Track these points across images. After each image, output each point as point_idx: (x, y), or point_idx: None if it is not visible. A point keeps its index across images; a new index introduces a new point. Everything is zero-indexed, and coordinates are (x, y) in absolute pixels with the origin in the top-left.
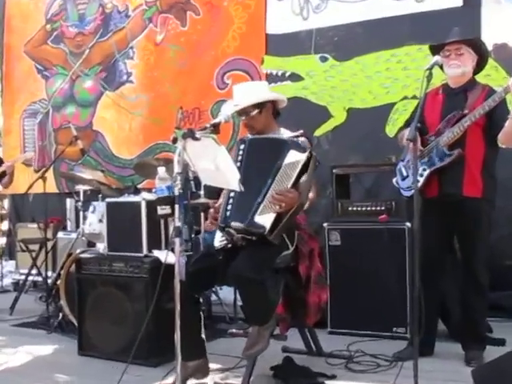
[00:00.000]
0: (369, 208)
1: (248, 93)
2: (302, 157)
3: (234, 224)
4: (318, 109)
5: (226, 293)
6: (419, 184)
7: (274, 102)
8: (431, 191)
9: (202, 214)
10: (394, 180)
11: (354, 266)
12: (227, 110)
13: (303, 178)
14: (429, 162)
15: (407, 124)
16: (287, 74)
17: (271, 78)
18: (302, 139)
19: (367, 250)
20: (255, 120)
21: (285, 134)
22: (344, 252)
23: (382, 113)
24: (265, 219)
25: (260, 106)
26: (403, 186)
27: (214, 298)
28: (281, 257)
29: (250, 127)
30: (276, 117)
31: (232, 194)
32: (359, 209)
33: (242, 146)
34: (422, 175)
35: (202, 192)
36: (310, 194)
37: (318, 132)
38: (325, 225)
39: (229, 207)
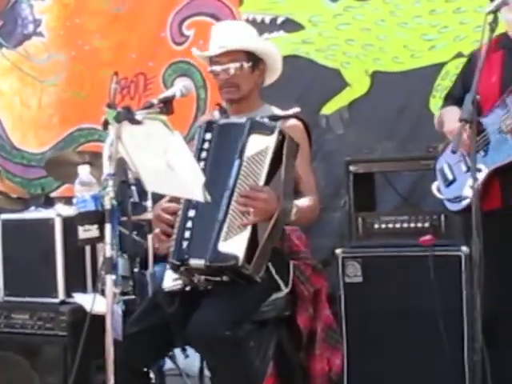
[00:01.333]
0: (405, 225)
1: (238, 34)
2: (269, 141)
3: (194, 262)
4: (327, 73)
5: (189, 359)
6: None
7: (267, 66)
8: (491, 201)
9: (150, 237)
10: (434, 186)
11: (383, 314)
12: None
13: (281, 173)
14: (486, 157)
15: (449, 98)
16: (279, 21)
17: (255, 27)
18: (294, 122)
19: (402, 288)
20: (244, 78)
21: (274, 112)
22: (367, 293)
23: (425, 79)
24: (234, 245)
25: (254, 60)
26: (448, 194)
27: (169, 365)
28: (269, 302)
29: (232, 86)
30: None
31: (191, 214)
32: (390, 226)
33: (207, 136)
34: (476, 178)
35: (149, 203)
36: (305, 201)
37: (327, 109)
38: (338, 251)
39: (186, 234)
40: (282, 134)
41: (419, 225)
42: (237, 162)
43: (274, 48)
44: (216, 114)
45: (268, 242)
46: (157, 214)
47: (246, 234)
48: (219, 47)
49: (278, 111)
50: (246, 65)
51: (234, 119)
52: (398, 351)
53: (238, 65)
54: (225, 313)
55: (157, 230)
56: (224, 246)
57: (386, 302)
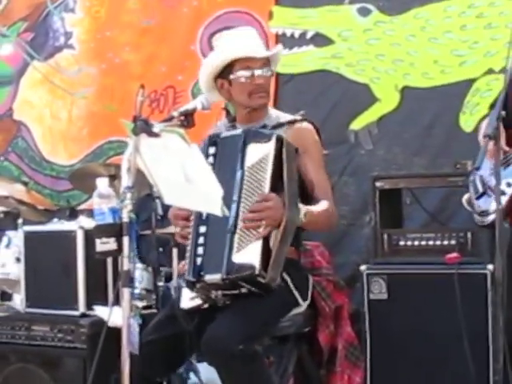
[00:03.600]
0: (431, 242)
1: (257, 40)
2: (268, 148)
3: (210, 278)
4: (356, 88)
5: (212, 372)
6: (502, 204)
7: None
8: None
9: (175, 251)
10: (465, 198)
11: (407, 332)
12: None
13: (283, 177)
14: None
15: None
16: (309, 36)
17: (284, 41)
18: (305, 126)
19: (427, 306)
20: (269, 85)
21: (281, 118)
22: (392, 310)
23: (455, 95)
24: (248, 254)
25: (271, 65)
26: (477, 208)
27: (193, 379)
28: (289, 317)
29: (265, 92)
30: None
31: (202, 230)
32: (416, 243)
33: (211, 150)
34: (504, 193)
35: None
36: (319, 206)
37: (356, 124)
38: (363, 268)
39: (199, 250)
40: (279, 139)
41: (445, 242)
42: (239, 173)
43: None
44: (225, 122)
45: (281, 247)
46: (174, 213)
47: (258, 242)
48: (257, 51)
49: (283, 115)
50: (271, 71)
51: (230, 131)
52: (421, 369)
53: (270, 70)
54: (238, 327)
55: (178, 229)
56: (238, 257)
57: (411, 319)
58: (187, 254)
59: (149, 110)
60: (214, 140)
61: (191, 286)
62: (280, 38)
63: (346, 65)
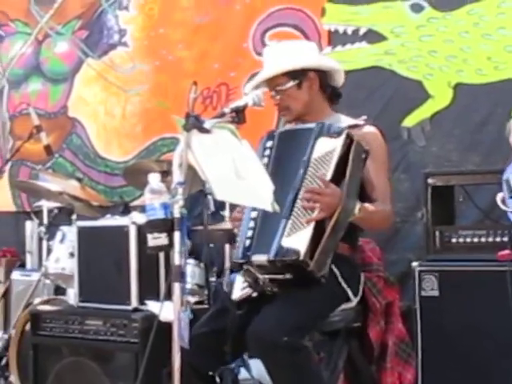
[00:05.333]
0: (483, 239)
1: (282, 56)
2: (336, 143)
3: (256, 258)
4: (409, 85)
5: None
6: None
7: (321, 73)
8: None
9: (228, 246)
10: (499, 197)
11: (459, 329)
12: (252, 84)
13: (346, 174)
14: None
15: None
16: (361, 32)
17: (337, 38)
18: (369, 130)
19: (480, 303)
20: (292, 98)
21: (343, 121)
22: (444, 307)
23: (508, 91)
24: (297, 240)
25: (298, 76)
26: (511, 206)
27: (243, 374)
28: (339, 312)
29: (284, 109)
30: (333, 97)
31: (253, 214)
32: (468, 240)
33: (268, 143)
34: None
35: (226, 213)
36: (375, 205)
37: (409, 121)
38: (414, 265)
39: (249, 233)
40: (349, 137)
41: (497, 239)
42: (303, 163)
43: (325, 58)
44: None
45: (330, 238)
46: (234, 216)
47: (309, 230)
48: (261, 75)
49: (347, 119)
50: (287, 85)
51: (302, 125)
52: (473, 367)
53: (281, 89)
54: (284, 318)
55: (235, 231)
56: (287, 242)
57: (462, 316)
58: (238, 238)
59: (202, 106)
60: (272, 135)
61: (238, 267)
62: (332, 35)
63: (398, 61)
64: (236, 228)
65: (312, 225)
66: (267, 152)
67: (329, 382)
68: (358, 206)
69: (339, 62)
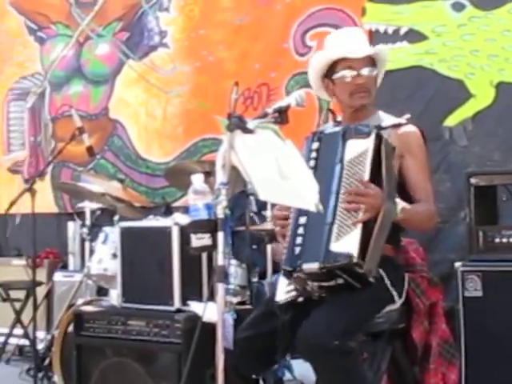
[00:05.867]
0: None
1: (363, 40)
2: (367, 143)
3: (307, 267)
4: (451, 84)
5: (306, 368)
6: None
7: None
8: None
9: (270, 247)
10: None
11: (503, 330)
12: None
13: (381, 173)
14: None
15: None
16: (402, 32)
17: (378, 38)
18: (410, 129)
19: None
20: (373, 83)
21: (385, 120)
22: (487, 307)
23: None
24: (346, 243)
25: (375, 66)
26: None
27: (287, 376)
28: (383, 314)
29: (366, 91)
30: None
31: (302, 220)
32: (511, 240)
33: (314, 145)
34: None
35: (268, 213)
36: (417, 205)
37: (451, 120)
38: (457, 265)
39: (298, 240)
40: (378, 136)
41: None
42: (338, 167)
43: (388, 55)
44: (330, 125)
45: (378, 238)
46: (274, 213)
47: (357, 231)
48: (355, 51)
49: (389, 117)
50: (375, 70)
51: (332, 128)
52: None
53: (374, 69)
54: (334, 322)
55: (277, 229)
56: (336, 246)
57: (506, 316)
58: (285, 245)
59: (243, 107)
60: (318, 136)
61: (288, 275)
62: (373, 35)
63: (439, 61)
64: (277, 227)
65: (359, 226)
66: (314, 154)
67: (372, 383)
68: (399, 206)
69: None
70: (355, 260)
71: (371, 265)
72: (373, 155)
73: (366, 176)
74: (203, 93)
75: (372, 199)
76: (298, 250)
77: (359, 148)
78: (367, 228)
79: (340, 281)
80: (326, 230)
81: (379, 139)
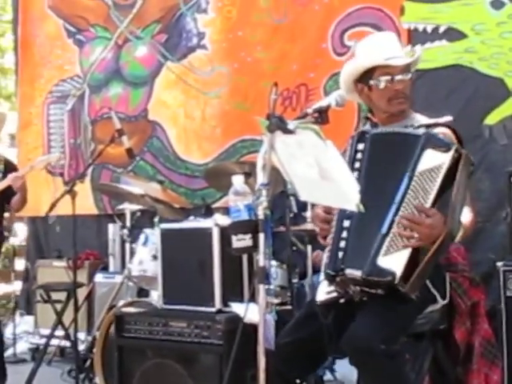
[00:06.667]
0: None
1: (397, 45)
2: (444, 159)
3: (350, 272)
4: (490, 82)
5: (347, 369)
6: None
7: None
8: None
9: (310, 247)
10: None
11: None
12: (377, 57)
13: (452, 193)
14: None
15: None
16: (441, 30)
17: (416, 37)
18: (442, 130)
19: None
20: (409, 89)
21: (421, 121)
22: None
23: None
24: (394, 261)
25: (410, 71)
26: None
27: (328, 376)
28: (425, 314)
29: (404, 97)
30: None
31: (346, 224)
32: None
33: (360, 146)
34: None
35: (308, 214)
36: (466, 217)
37: (491, 119)
38: (499, 265)
39: (341, 244)
40: (458, 151)
41: None
42: (407, 176)
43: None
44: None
45: (428, 263)
46: (314, 214)
47: (406, 252)
48: (396, 59)
49: (425, 119)
50: (410, 75)
51: (404, 129)
52: None
53: (410, 74)
54: (380, 326)
55: (318, 230)
56: (383, 261)
57: None
58: (328, 248)
59: (281, 107)
60: (364, 136)
61: (331, 279)
62: (412, 34)
63: (479, 59)
64: (318, 228)
65: (410, 249)
66: (359, 155)
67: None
68: (461, 231)
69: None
70: (397, 281)
71: (414, 286)
72: (446, 172)
73: (433, 194)
74: (241, 94)
75: (428, 230)
76: (341, 254)
77: (434, 161)
78: (419, 251)
79: (380, 291)
80: (377, 241)
81: (459, 154)
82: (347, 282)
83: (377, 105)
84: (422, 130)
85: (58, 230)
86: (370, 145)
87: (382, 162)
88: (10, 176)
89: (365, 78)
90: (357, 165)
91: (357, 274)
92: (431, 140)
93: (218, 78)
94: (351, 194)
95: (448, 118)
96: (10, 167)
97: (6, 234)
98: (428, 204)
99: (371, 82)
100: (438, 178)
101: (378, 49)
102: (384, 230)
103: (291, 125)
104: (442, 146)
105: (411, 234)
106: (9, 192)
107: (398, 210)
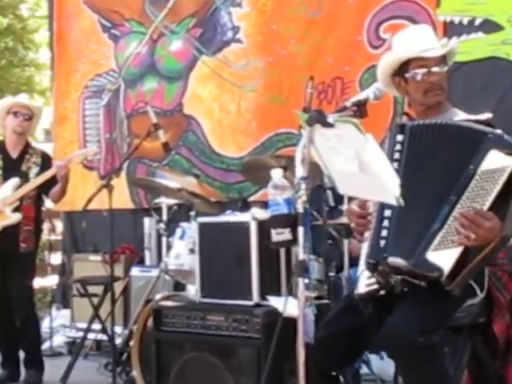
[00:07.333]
0: None
1: (432, 38)
2: (509, 162)
3: (393, 260)
4: None
5: (384, 363)
6: None
7: None
8: None
9: (346, 241)
10: None
11: None
12: (405, 51)
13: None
14: None
15: None
16: (477, 22)
17: (452, 29)
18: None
19: None
20: (445, 81)
21: (460, 116)
22: None
23: None
24: (443, 257)
25: (446, 63)
26: None
27: (364, 370)
28: (464, 308)
29: (440, 89)
30: None
31: (387, 213)
32: None
33: (399, 137)
34: None
35: (345, 207)
36: None
37: None
38: None
39: (383, 233)
40: None
41: None
42: (468, 172)
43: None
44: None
45: (477, 265)
46: (349, 209)
47: (457, 250)
48: (431, 51)
49: (464, 114)
50: (446, 67)
51: (465, 122)
52: None
53: (446, 66)
54: (419, 319)
55: (353, 225)
56: (432, 256)
57: None
58: (369, 237)
59: (317, 101)
60: (403, 128)
61: (372, 268)
62: (448, 26)
63: None
64: (353, 223)
65: (462, 247)
66: (398, 147)
67: (454, 378)
68: None
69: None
70: (443, 278)
71: (459, 285)
72: (509, 176)
73: (492, 196)
74: (276, 87)
75: (485, 233)
76: (382, 242)
77: (498, 163)
78: (470, 251)
79: (423, 283)
80: (427, 234)
81: None
82: (389, 271)
83: (413, 97)
84: (488, 128)
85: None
86: (409, 136)
87: (430, 154)
88: (57, 163)
89: (401, 71)
90: (396, 156)
91: (401, 262)
92: (498, 140)
93: (252, 71)
94: (391, 188)
95: (488, 115)
96: (47, 160)
97: (48, 227)
98: (486, 206)
99: (407, 75)
100: (499, 181)
101: (414, 41)
102: (437, 224)
103: (331, 118)
104: (507, 148)
105: (468, 234)
106: (48, 184)
107: (454, 205)
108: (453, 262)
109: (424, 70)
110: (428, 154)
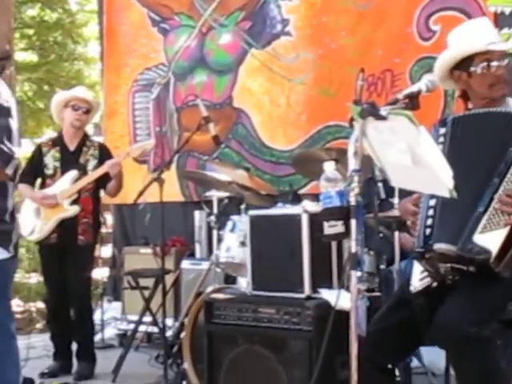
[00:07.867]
0: None
1: (493, 31)
2: None
3: (439, 246)
4: None
5: (435, 356)
6: None
7: None
8: None
9: (397, 234)
10: None
11: None
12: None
13: None
14: None
15: None
16: None
17: (503, 21)
18: None
19: None
20: (509, 74)
21: None
22: None
23: None
24: (489, 239)
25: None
26: None
27: (415, 363)
28: None
29: (505, 82)
30: None
31: (432, 202)
32: None
33: (442, 130)
34: None
35: (396, 200)
36: None
37: None
38: None
39: (429, 221)
40: None
41: None
42: (510, 155)
43: None
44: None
45: None
46: (403, 206)
47: (503, 231)
48: (497, 43)
49: None
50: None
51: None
52: None
53: (509, 59)
54: (471, 310)
55: (409, 222)
56: (479, 238)
57: None
58: (417, 228)
59: (367, 93)
60: (445, 121)
61: (419, 257)
62: (498, 17)
63: None
64: (409, 221)
65: (508, 228)
66: (441, 139)
67: (506, 371)
68: None
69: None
70: (492, 259)
71: (508, 266)
72: None
73: None
74: (326, 80)
75: None
76: (428, 231)
77: None
78: None
79: (471, 268)
80: (473, 217)
81: None
82: (436, 259)
83: (476, 91)
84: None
85: (147, 219)
86: (451, 127)
87: (472, 142)
88: (108, 163)
89: (463, 64)
90: (439, 147)
91: (448, 248)
92: None
93: (302, 64)
94: (445, 180)
95: None
96: (105, 153)
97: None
98: None
99: (472, 69)
100: None
101: (478, 35)
102: (482, 207)
103: (383, 111)
104: None
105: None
106: (105, 178)
107: (497, 188)
108: (500, 243)
109: (490, 64)
110: (470, 142)
